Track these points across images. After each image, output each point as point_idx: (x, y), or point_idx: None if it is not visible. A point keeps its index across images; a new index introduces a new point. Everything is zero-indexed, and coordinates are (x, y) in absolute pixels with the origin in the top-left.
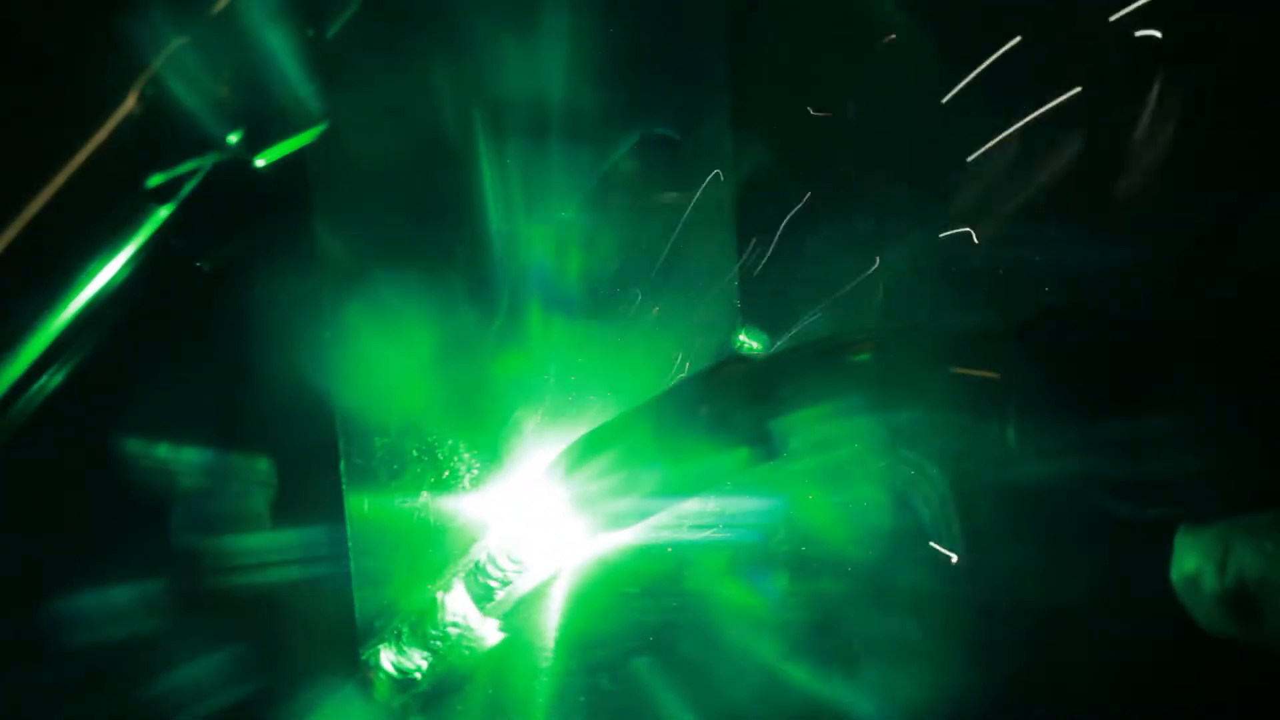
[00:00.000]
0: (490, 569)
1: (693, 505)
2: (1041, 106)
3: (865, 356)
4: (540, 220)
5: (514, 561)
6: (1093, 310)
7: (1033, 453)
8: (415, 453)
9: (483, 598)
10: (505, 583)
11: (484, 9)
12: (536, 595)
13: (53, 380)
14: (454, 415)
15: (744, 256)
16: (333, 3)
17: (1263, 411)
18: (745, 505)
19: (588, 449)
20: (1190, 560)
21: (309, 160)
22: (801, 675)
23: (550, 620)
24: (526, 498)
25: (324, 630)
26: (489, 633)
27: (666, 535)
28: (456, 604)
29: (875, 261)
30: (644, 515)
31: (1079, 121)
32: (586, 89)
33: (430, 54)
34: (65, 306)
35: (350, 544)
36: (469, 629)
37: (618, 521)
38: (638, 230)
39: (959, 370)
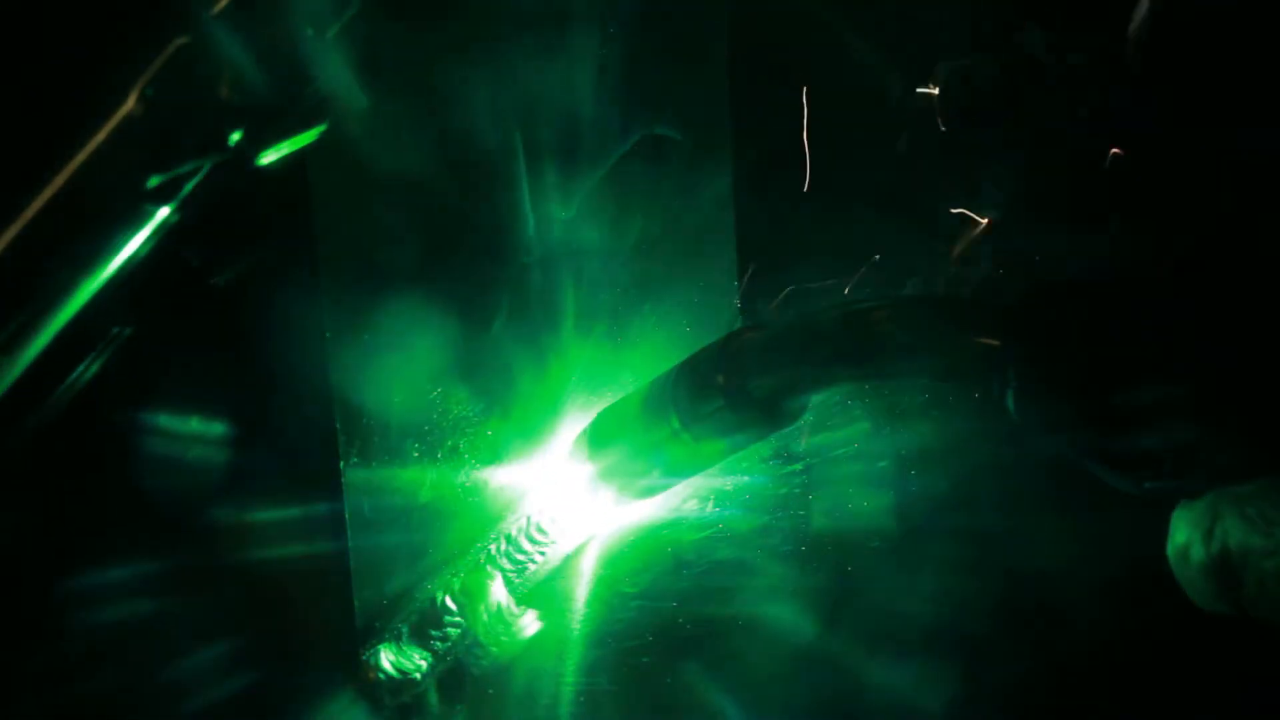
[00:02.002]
0: (516, 549)
1: (712, 477)
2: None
3: (878, 323)
4: (542, 219)
5: (542, 533)
6: (1093, 285)
7: (1032, 422)
8: (416, 452)
9: (510, 578)
10: (532, 560)
11: (490, 11)
12: (539, 591)
13: (54, 379)
14: (457, 411)
15: (744, 253)
16: (334, 2)
17: (1250, 383)
18: (762, 478)
19: (608, 423)
20: (1181, 532)
21: (311, 160)
22: (830, 659)
23: (550, 619)
24: (549, 474)
25: (323, 629)
26: (528, 623)
27: (684, 510)
28: (495, 595)
29: (875, 259)
30: (666, 486)
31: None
32: (587, 88)
33: (436, 54)
34: (67, 306)
35: (350, 543)
36: (508, 620)
37: (641, 493)
38: (638, 229)
39: (962, 338)
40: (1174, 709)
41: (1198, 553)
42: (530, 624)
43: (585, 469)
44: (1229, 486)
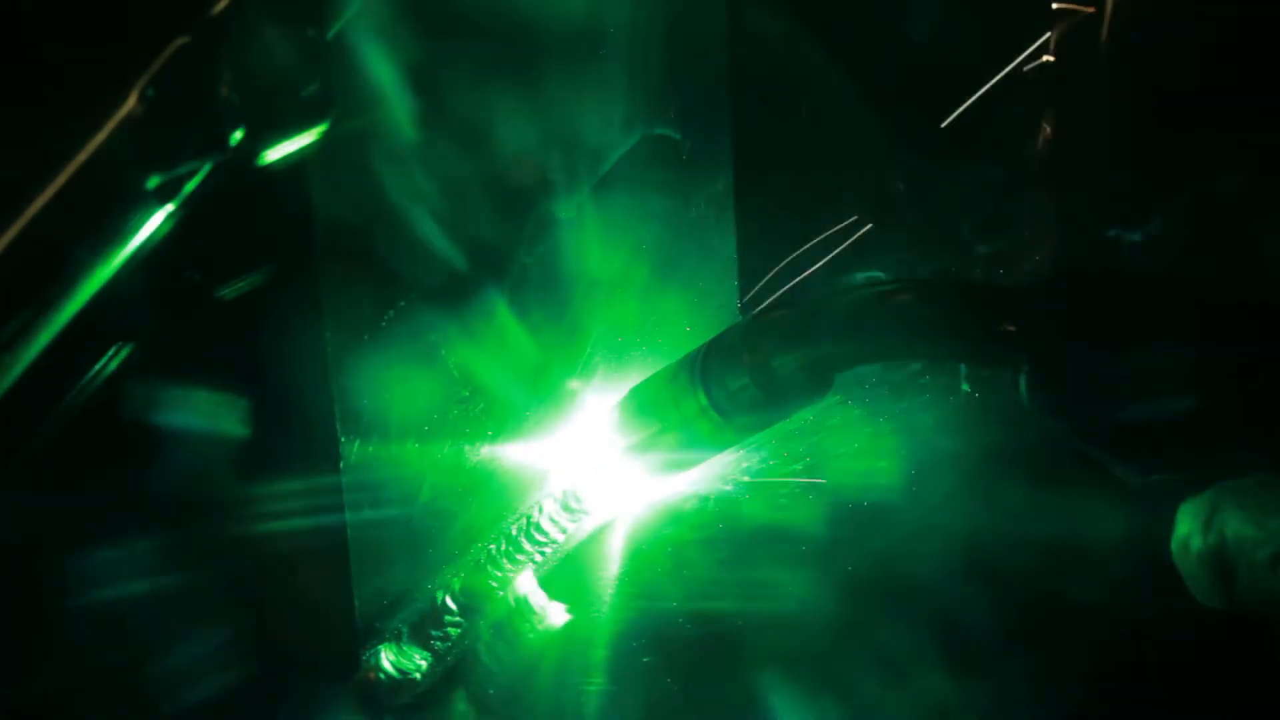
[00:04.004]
0: (516, 549)
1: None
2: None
3: (901, 303)
4: (542, 219)
5: (541, 532)
6: (1111, 274)
7: (1042, 408)
8: (417, 452)
9: (510, 577)
10: (532, 560)
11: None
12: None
13: (55, 378)
14: (457, 411)
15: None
16: (335, 2)
17: (1256, 377)
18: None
19: (637, 398)
20: (1184, 524)
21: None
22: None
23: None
24: (580, 449)
25: (323, 630)
26: (555, 615)
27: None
28: (522, 587)
29: (875, 259)
30: (694, 463)
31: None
32: (588, 90)
33: (435, 60)
34: (67, 306)
35: (351, 543)
36: (536, 614)
37: (669, 470)
38: (638, 230)
39: (980, 320)
40: (1182, 707)
41: (1196, 543)
42: (558, 616)
43: (614, 445)
44: (1231, 480)
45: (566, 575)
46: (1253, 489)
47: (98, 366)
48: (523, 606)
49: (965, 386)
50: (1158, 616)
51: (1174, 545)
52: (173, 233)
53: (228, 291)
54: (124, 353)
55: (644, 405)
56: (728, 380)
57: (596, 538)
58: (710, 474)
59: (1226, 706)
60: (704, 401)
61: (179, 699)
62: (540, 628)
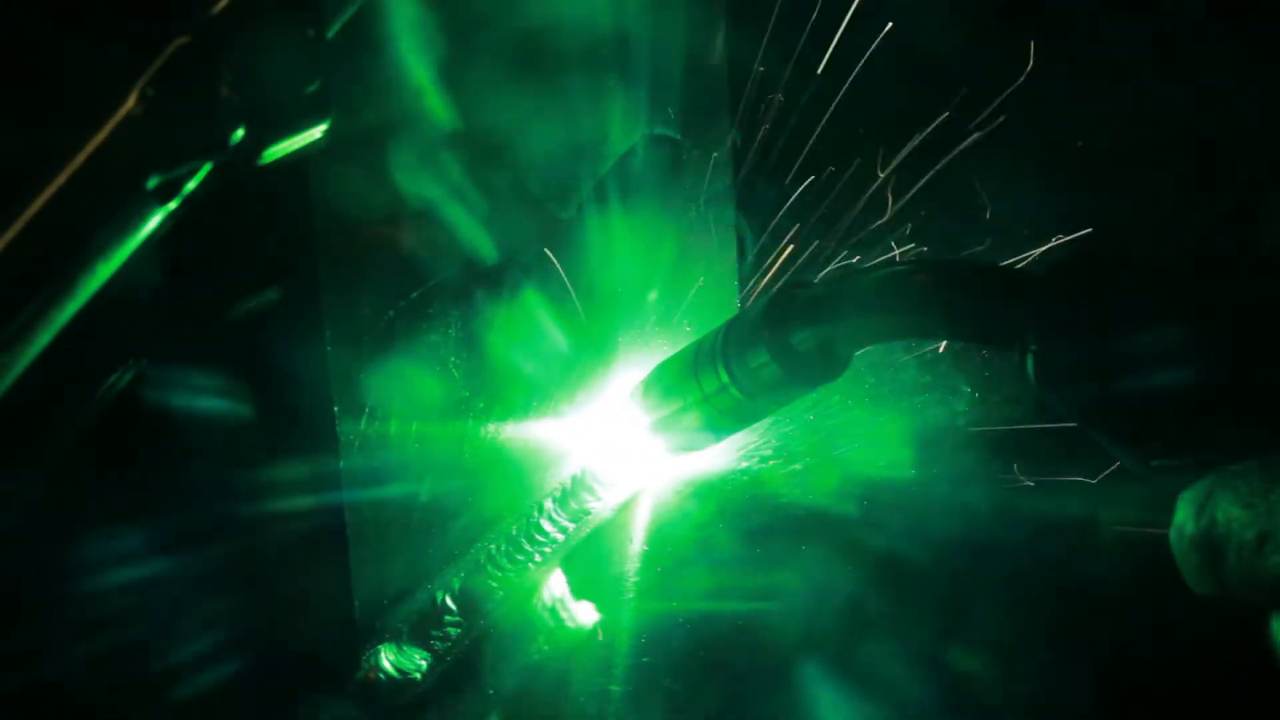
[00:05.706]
0: (516, 549)
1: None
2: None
3: (917, 284)
4: (542, 220)
5: (542, 533)
6: (1120, 258)
7: (1048, 386)
8: (417, 452)
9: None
10: (532, 560)
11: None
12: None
13: (54, 377)
14: (457, 411)
15: (745, 255)
16: (334, 2)
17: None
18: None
19: (662, 376)
20: (1180, 511)
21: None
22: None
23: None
24: (605, 425)
25: (323, 628)
26: (584, 614)
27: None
28: (553, 586)
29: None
30: (716, 439)
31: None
32: (590, 90)
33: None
34: (68, 306)
35: (351, 543)
36: (565, 612)
37: (691, 446)
38: (638, 230)
39: (991, 301)
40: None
41: (1190, 528)
42: (587, 615)
43: (635, 422)
44: (1228, 466)
45: (589, 569)
46: (1245, 473)
47: (112, 379)
48: (536, 612)
49: (966, 387)
50: (1158, 610)
51: (1171, 532)
52: (177, 232)
53: (233, 300)
54: (132, 368)
55: (666, 383)
56: (748, 357)
57: (618, 523)
58: (727, 455)
59: (1224, 702)
60: (725, 378)
61: (179, 698)
62: (558, 631)
